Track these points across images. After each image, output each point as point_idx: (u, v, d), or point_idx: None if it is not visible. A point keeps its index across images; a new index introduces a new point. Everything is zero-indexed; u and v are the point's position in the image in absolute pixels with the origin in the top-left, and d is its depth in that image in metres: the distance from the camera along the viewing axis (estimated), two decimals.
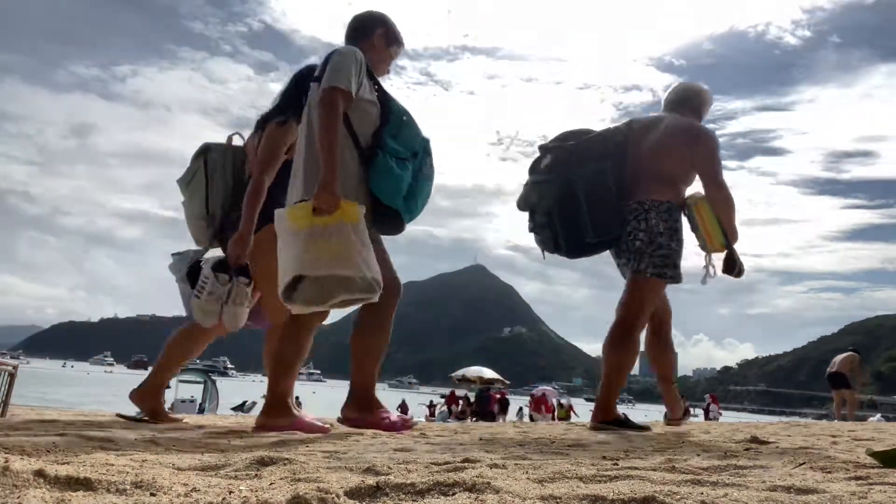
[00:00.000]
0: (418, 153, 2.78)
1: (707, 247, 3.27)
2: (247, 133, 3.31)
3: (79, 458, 1.51)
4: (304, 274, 2.41)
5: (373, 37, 2.90)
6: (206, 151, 3.19)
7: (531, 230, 3.32)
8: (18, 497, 0.89)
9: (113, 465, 1.36)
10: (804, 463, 1.68)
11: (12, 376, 4.28)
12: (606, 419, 3.20)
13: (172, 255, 3.39)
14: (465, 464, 1.59)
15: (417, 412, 25.49)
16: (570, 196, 3.12)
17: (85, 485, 1.01)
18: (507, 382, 26.06)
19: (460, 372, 24.65)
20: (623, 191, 3.18)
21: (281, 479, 1.23)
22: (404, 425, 2.92)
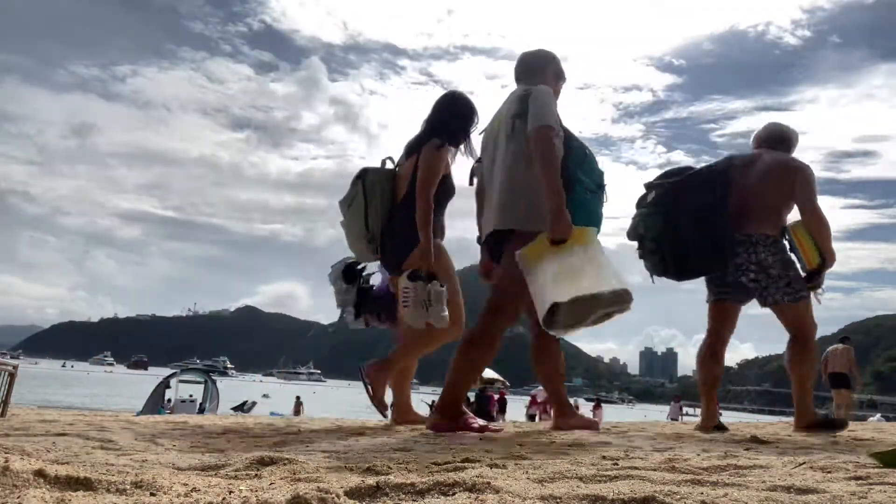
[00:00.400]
0: (601, 185, 3.12)
1: (807, 267, 3.56)
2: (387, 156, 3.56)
3: (79, 458, 1.51)
4: (557, 301, 2.59)
5: (546, 74, 3.20)
6: (364, 175, 3.43)
7: (641, 257, 3.58)
8: (18, 497, 0.89)
9: (113, 465, 1.36)
10: (804, 463, 1.68)
11: (12, 376, 4.29)
12: (809, 424, 3.42)
13: (332, 266, 3.82)
14: (465, 464, 1.59)
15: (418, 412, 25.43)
16: (675, 227, 3.40)
17: (85, 485, 1.01)
18: (507, 383, 26.06)
19: None
20: (725, 222, 3.43)
21: (281, 479, 1.23)
22: (491, 429, 3.05)
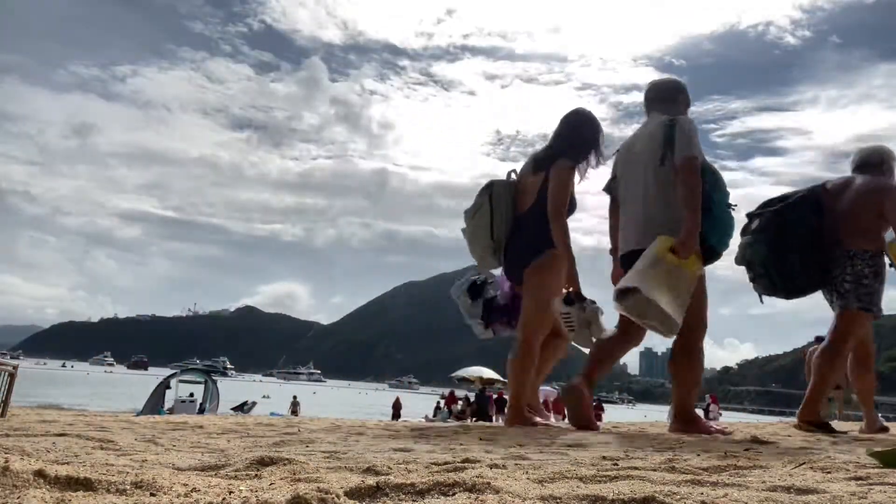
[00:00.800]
0: (731, 204, 3.40)
1: None
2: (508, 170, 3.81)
3: (79, 458, 1.51)
4: (639, 288, 2.96)
5: (678, 103, 3.51)
6: (490, 186, 3.72)
7: (751, 280, 3.84)
8: (18, 497, 0.89)
9: (113, 465, 1.36)
10: (804, 463, 1.68)
11: (12, 376, 4.28)
12: (811, 420, 3.63)
13: (455, 283, 4.14)
14: (465, 464, 1.59)
15: (418, 412, 25.47)
16: (779, 252, 3.69)
17: (85, 485, 1.01)
18: (507, 383, 26.05)
19: (460, 372, 24.60)
20: (824, 243, 3.71)
21: (281, 479, 1.23)
22: (720, 431, 3.26)
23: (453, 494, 1.11)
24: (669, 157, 3.20)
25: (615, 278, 3.47)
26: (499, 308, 4.01)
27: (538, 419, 3.64)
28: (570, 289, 3.32)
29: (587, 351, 3.44)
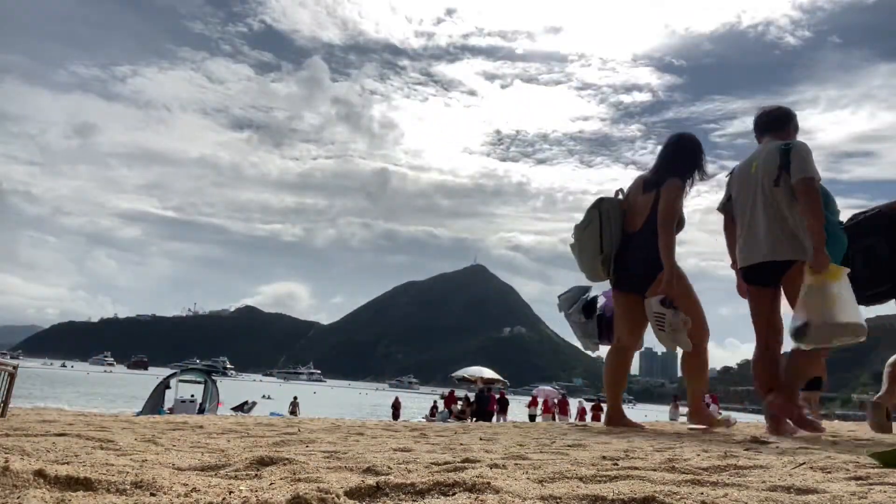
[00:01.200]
0: (841, 223, 3.67)
1: None
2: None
3: (79, 458, 1.51)
4: (809, 322, 3.18)
5: (789, 129, 3.72)
6: (600, 203, 4.06)
7: (870, 284, 4.00)
8: (18, 497, 0.89)
9: (113, 465, 1.36)
10: (804, 463, 1.68)
11: (12, 376, 4.28)
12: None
13: (560, 297, 4.53)
14: (465, 464, 1.59)
15: (417, 412, 25.47)
16: (859, 262, 3.87)
17: (85, 485, 1.01)
18: (507, 382, 26.07)
19: (460, 372, 24.63)
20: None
21: (281, 479, 1.23)
22: (820, 428, 3.46)
23: (453, 494, 1.11)
24: (785, 178, 3.42)
25: (741, 290, 3.73)
26: (608, 323, 4.34)
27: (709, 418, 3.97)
28: (667, 293, 3.67)
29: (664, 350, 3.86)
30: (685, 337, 3.65)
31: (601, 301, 4.44)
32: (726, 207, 3.84)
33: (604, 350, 4.30)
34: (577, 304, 4.47)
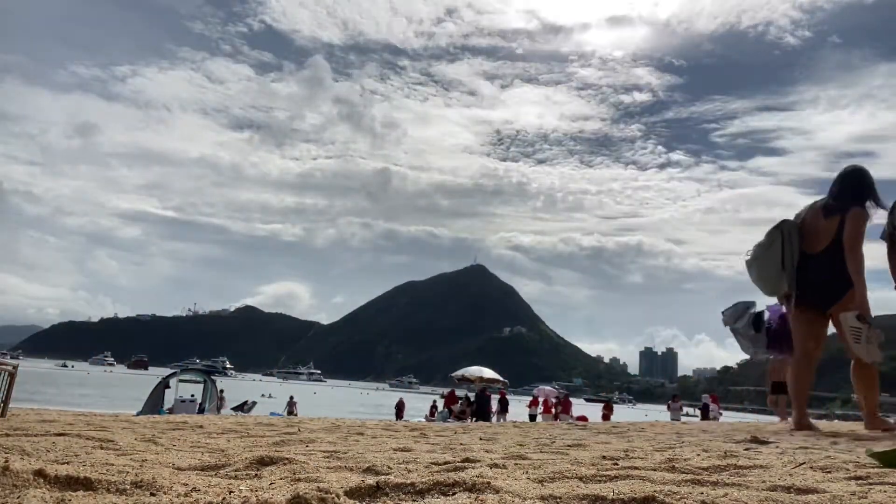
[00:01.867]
0: None
1: None
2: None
3: (79, 458, 1.51)
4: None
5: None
6: (782, 224, 4.47)
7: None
8: (18, 497, 0.89)
9: (113, 465, 1.36)
10: (804, 463, 1.68)
11: (12, 376, 4.28)
12: None
13: (723, 312, 4.97)
14: (465, 464, 1.59)
15: (418, 412, 25.47)
16: None
17: (85, 485, 1.01)
18: (507, 382, 26.10)
19: (460, 372, 24.63)
20: None
21: (281, 479, 1.23)
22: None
23: (453, 494, 1.11)
24: None
25: None
26: (776, 335, 4.85)
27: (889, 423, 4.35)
28: (860, 310, 3.98)
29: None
30: (877, 349, 3.99)
31: (766, 314, 4.94)
32: (892, 236, 4.19)
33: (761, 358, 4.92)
34: (745, 318, 4.98)
